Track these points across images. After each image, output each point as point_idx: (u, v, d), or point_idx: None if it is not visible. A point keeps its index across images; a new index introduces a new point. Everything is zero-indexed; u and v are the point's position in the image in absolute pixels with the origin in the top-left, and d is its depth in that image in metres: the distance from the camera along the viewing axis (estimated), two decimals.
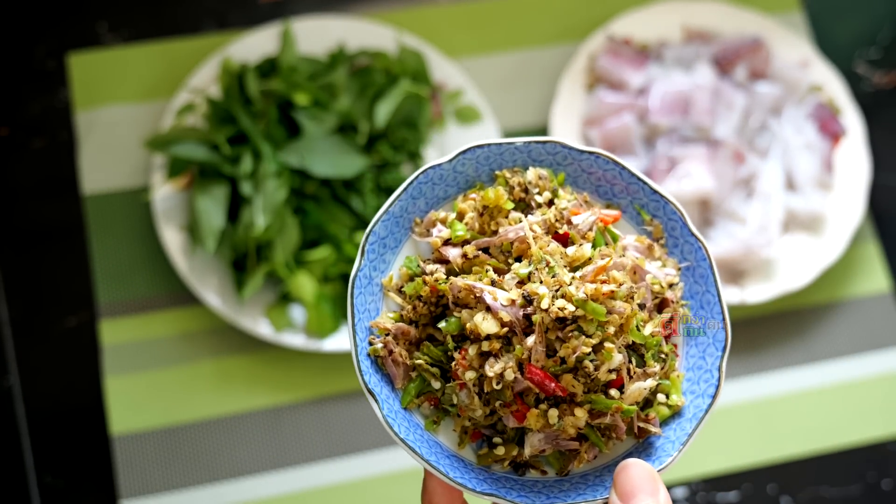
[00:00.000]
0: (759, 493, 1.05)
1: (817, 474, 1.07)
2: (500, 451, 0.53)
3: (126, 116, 1.09)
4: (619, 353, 0.50)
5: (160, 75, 1.11)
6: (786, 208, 1.10)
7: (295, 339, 1.00)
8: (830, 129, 1.15)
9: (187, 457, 1.00)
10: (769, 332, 1.11)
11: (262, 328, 1.00)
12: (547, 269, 0.51)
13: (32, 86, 1.10)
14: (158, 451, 1.00)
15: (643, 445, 0.54)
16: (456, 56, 1.16)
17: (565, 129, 1.12)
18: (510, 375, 0.50)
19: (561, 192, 0.56)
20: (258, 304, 1.01)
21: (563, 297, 0.50)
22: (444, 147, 1.11)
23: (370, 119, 1.07)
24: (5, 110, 1.09)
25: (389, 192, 1.07)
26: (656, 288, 0.54)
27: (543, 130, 1.15)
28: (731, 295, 1.07)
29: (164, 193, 1.03)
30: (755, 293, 1.07)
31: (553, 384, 0.50)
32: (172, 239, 1.02)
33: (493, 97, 1.16)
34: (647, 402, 0.54)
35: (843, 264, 1.14)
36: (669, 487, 1.04)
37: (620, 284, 0.51)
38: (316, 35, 1.10)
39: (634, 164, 1.10)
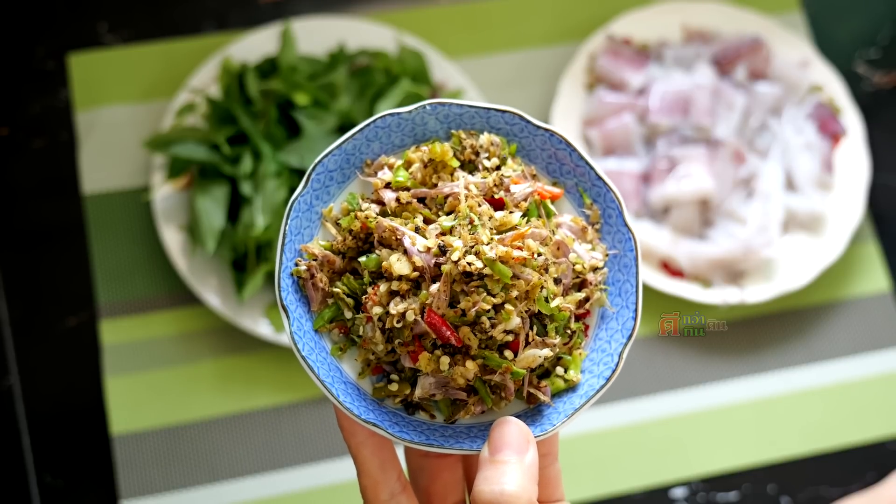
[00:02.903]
0: (759, 493, 1.05)
1: (817, 474, 1.07)
2: (395, 387, 0.56)
3: (126, 116, 1.09)
4: (519, 317, 0.53)
5: (160, 75, 1.11)
6: (786, 208, 1.10)
7: None
8: (830, 129, 1.15)
9: (187, 457, 1.00)
10: (769, 332, 1.11)
11: (262, 328, 1.00)
12: (470, 226, 0.53)
13: (33, 86, 1.10)
14: (158, 451, 1.00)
15: (532, 411, 0.56)
16: (456, 56, 1.16)
17: (565, 129, 1.12)
18: (411, 316, 0.52)
19: (509, 160, 0.58)
20: (258, 304, 1.01)
21: (475, 253, 0.52)
22: None
23: None
24: (5, 110, 1.09)
25: None
26: (578, 268, 0.57)
27: None
28: (731, 295, 1.07)
29: (164, 193, 1.03)
30: (755, 293, 1.07)
31: (449, 332, 0.52)
32: (172, 239, 1.02)
33: (493, 97, 1.16)
34: (547, 373, 0.57)
35: (843, 264, 1.14)
36: (668, 487, 1.04)
37: (535, 254, 0.53)
38: (316, 35, 1.10)
39: (635, 164, 1.10)
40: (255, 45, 1.09)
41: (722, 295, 1.07)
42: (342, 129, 1.06)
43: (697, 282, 1.08)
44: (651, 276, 1.07)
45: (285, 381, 1.03)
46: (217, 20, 1.15)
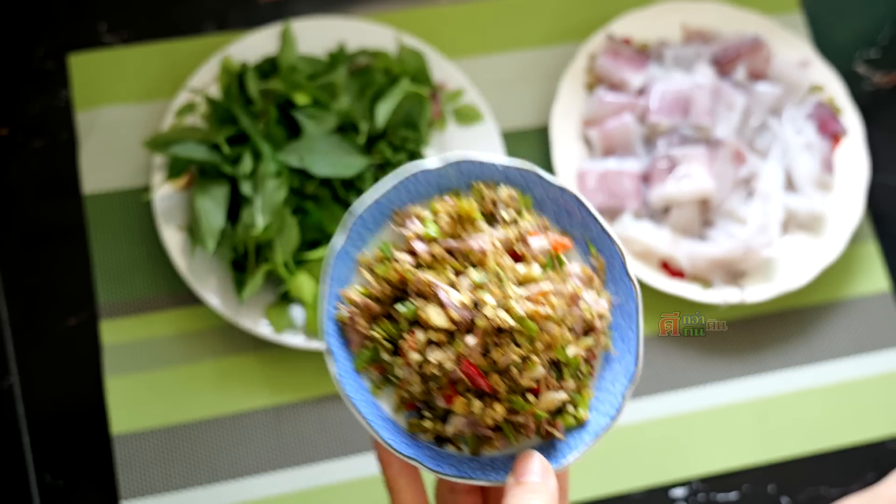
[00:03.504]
0: (759, 493, 1.06)
1: (817, 474, 1.07)
2: (428, 424, 0.61)
3: (126, 116, 1.09)
4: (542, 366, 0.58)
5: (160, 75, 1.11)
6: (786, 208, 1.10)
7: (295, 339, 1.00)
8: (830, 130, 1.15)
9: (187, 457, 1.00)
10: (769, 332, 1.11)
11: (262, 328, 1.00)
12: (498, 281, 0.58)
13: (32, 86, 1.10)
14: (158, 450, 1.00)
15: (547, 445, 0.62)
16: (456, 56, 1.16)
17: (565, 129, 1.12)
18: (448, 366, 0.57)
19: (525, 213, 0.63)
20: (258, 304, 1.01)
21: (506, 310, 0.57)
22: (444, 147, 1.11)
23: (370, 119, 1.07)
24: (5, 110, 1.09)
25: None
26: (587, 316, 0.61)
27: (544, 130, 1.15)
28: (731, 295, 1.07)
29: (164, 193, 1.03)
30: (755, 293, 1.07)
31: (482, 380, 0.58)
32: (172, 239, 1.02)
33: (493, 97, 1.16)
34: (559, 411, 0.62)
35: (843, 264, 1.15)
36: (668, 487, 1.04)
37: (556, 310, 0.58)
38: (316, 35, 1.10)
39: (635, 164, 1.10)
40: (254, 45, 1.09)
41: (722, 295, 1.07)
42: (342, 129, 1.06)
43: (697, 282, 1.08)
44: (651, 276, 1.07)
45: (285, 381, 1.03)
46: (217, 20, 1.15)
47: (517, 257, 0.61)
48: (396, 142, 1.09)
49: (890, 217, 1.18)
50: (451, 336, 0.58)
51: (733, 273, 1.09)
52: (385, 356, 0.60)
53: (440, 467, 0.59)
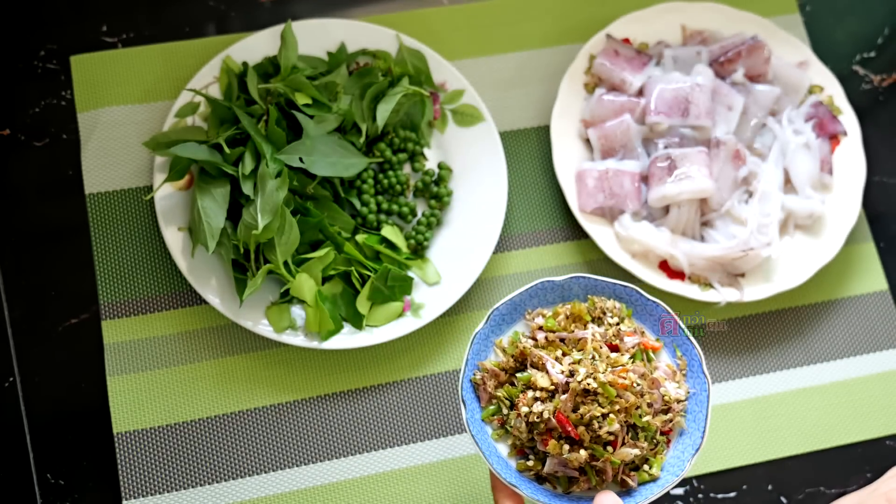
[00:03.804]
0: (758, 492, 1.06)
1: (815, 473, 1.07)
2: (531, 463, 0.80)
3: (128, 117, 1.10)
4: (619, 424, 0.76)
5: (161, 76, 1.12)
6: (784, 208, 1.11)
7: (295, 339, 1.00)
8: (829, 130, 1.15)
9: (188, 456, 1.00)
10: (768, 331, 1.12)
11: (262, 328, 1.01)
12: (592, 360, 0.78)
13: (34, 87, 1.10)
14: (160, 450, 1.00)
15: (622, 493, 0.79)
16: (456, 57, 1.17)
17: (565, 130, 1.13)
18: (546, 415, 0.76)
19: (626, 320, 0.84)
20: (258, 304, 1.02)
21: (593, 378, 0.76)
22: (444, 147, 1.12)
23: (370, 119, 1.07)
24: (7, 111, 1.09)
25: (390, 192, 1.08)
26: (667, 398, 0.80)
27: (544, 131, 1.16)
28: (730, 294, 1.07)
29: (165, 193, 1.03)
30: (754, 293, 1.08)
31: (571, 429, 0.76)
32: (173, 239, 1.02)
33: (494, 98, 1.16)
34: (636, 467, 0.80)
35: (841, 264, 1.15)
36: None
37: (634, 383, 0.77)
38: (316, 36, 1.11)
39: (635, 164, 1.11)
40: (255, 45, 1.09)
41: (721, 294, 1.07)
42: (342, 130, 1.06)
43: (697, 282, 1.08)
44: (651, 277, 1.07)
45: (286, 381, 1.04)
46: (217, 21, 1.15)
47: (614, 349, 0.81)
48: (396, 142, 1.09)
49: (887, 217, 1.19)
50: (551, 395, 0.77)
51: (732, 273, 1.09)
52: (504, 410, 0.80)
53: (536, 495, 0.78)
